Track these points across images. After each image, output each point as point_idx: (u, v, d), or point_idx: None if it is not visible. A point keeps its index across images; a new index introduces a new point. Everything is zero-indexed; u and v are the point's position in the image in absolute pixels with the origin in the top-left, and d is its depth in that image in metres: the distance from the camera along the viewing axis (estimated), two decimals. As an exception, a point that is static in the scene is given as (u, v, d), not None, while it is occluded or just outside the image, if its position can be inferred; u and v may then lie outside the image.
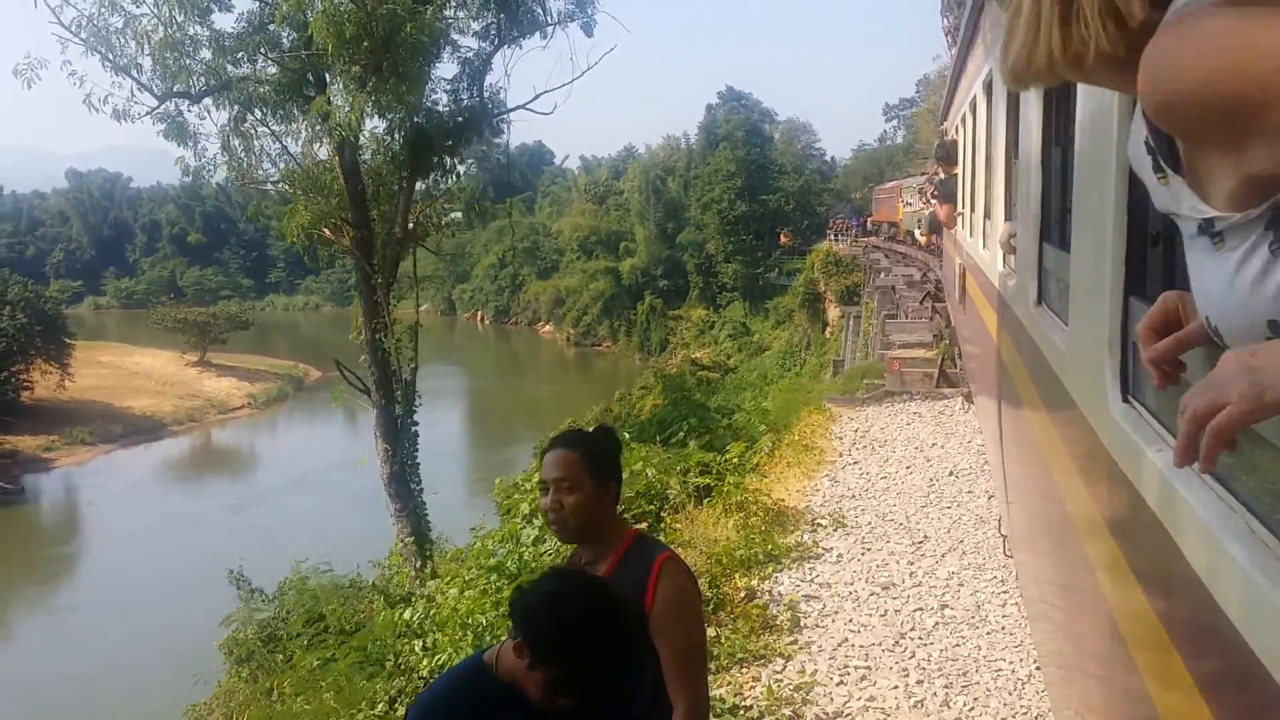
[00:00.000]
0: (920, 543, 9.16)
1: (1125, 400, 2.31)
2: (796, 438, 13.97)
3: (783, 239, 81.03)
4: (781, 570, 8.55)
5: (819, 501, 10.64)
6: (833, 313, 53.65)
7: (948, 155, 12.56)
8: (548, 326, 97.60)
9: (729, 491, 9.95)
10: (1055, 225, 3.92)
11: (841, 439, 13.72)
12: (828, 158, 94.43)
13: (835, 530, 9.62)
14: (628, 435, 14.75)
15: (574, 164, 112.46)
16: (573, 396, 58.42)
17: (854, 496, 10.83)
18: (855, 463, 12.37)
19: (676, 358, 69.40)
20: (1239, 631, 1.42)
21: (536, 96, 23.32)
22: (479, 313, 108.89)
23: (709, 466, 11.44)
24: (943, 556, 8.77)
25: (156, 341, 77.70)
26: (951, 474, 11.49)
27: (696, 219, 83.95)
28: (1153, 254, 2.20)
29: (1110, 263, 2.30)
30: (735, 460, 11.68)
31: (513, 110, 23.33)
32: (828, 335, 53.15)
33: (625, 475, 8.39)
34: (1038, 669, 6.41)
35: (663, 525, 9.85)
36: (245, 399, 68.05)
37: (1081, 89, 2.69)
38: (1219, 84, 1.25)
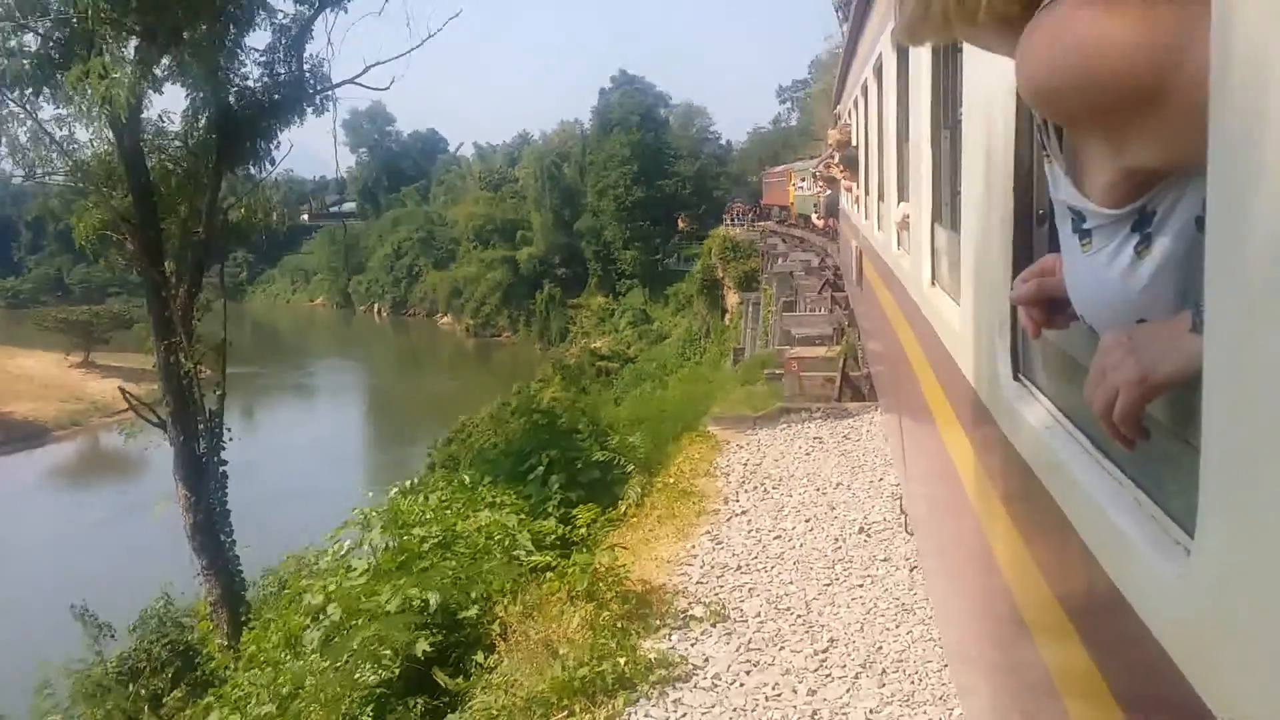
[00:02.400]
0: (824, 651, 6.94)
1: (1016, 378, 2.35)
2: (673, 478, 11.46)
3: (681, 224, 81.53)
4: (635, 705, 6.31)
5: (695, 575, 8.44)
6: (732, 299, 53.94)
7: (851, 161, 12.34)
8: (446, 318, 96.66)
9: (573, 577, 7.61)
10: (946, 207, 3.99)
11: (728, 476, 11.33)
12: (723, 141, 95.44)
13: (714, 628, 7.36)
14: (471, 476, 12.64)
15: (468, 151, 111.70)
16: (473, 390, 57.46)
17: (740, 568, 8.58)
18: (743, 512, 10.08)
19: (576, 347, 69.26)
20: (1130, 605, 1.44)
21: (366, 69, 20.41)
22: (376, 305, 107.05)
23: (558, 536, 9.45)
24: (855, 679, 6.51)
25: (40, 343, 74.61)
26: (862, 530, 9.28)
27: (593, 205, 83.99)
28: (1039, 233, 2.23)
29: (999, 242, 2.33)
30: (583, 531, 9.39)
31: (339, 85, 20.07)
32: (727, 322, 53.40)
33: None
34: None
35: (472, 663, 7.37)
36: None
37: (968, 71, 2.73)
38: (1095, 79, 1.29)
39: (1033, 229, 2.27)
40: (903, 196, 5.73)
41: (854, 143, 11.70)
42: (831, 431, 13.06)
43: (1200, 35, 1.10)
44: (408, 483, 11.77)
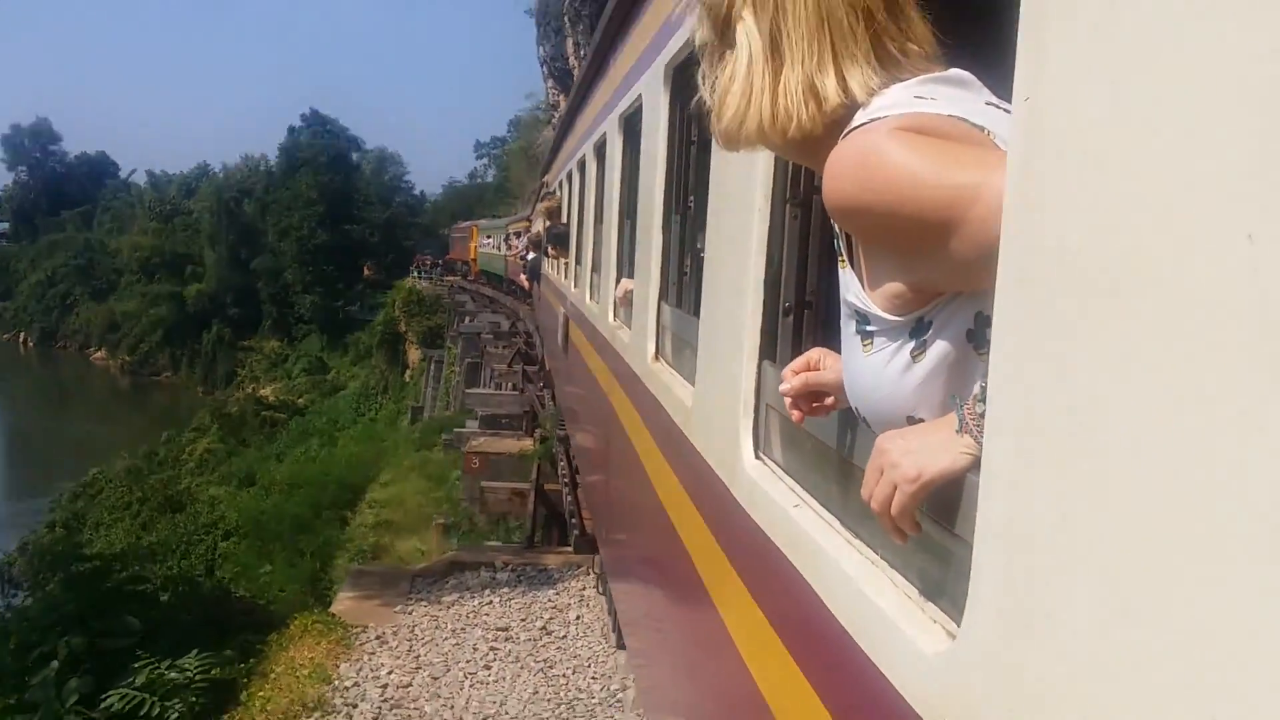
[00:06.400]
0: None
1: (758, 457, 2.49)
2: (263, 717, 7.06)
3: (367, 272, 79.48)
4: None
5: None
6: (414, 355, 52.25)
7: (560, 239, 11.61)
8: (100, 353, 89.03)
9: None
10: (673, 287, 4.20)
11: (348, 716, 7.01)
12: (417, 192, 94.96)
13: None
14: None
15: (141, 178, 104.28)
16: (124, 434, 52.97)
17: None
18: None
19: (242, 393, 64.93)
20: (890, 683, 1.56)
21: None
22: (22, 334, 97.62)
23: None
24: None
25: None
26: None
27: (274, 245, 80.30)
28: (784, 324, 2.41)
29: (747, 331, 2.49)
30: None
31: None
32: (407, 378, 51.81)
33: None
34: None
35: None
36: None
37: (719, 170, 2.91)
38: (901, 207, 1.44)
39: (778, 320, 2.44)
40: (625, 272, 5.94)
41: (564, 214, 11.95)
42: (526, 613, 8.87)
43: (995, 179, 1.26)
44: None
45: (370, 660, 7.85)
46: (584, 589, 9.37)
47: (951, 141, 1.44)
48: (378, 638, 8.29)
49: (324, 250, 77.36)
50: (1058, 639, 1.10)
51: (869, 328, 1.61)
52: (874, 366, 1.61)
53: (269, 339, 78.78)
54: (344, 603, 9.10)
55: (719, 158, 2.90)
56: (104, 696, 7.40)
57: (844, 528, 1.92)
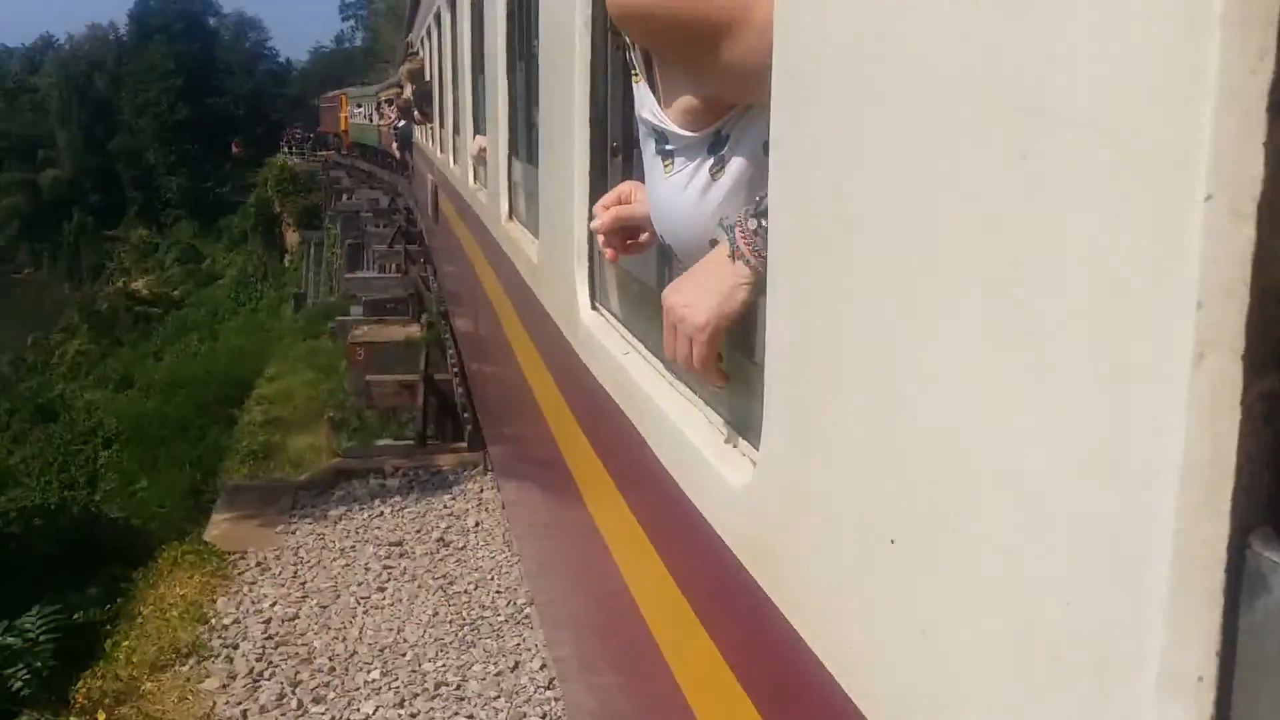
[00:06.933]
0: None
1: (594, 308, 2.42)
2: (123, 662, 6.22)
3: (235, 149, 75.47)
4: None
5: None
6: (291, 238, 49.81)
7: (425, 100, 11.26)
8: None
9: None
10: (522, 140, 4.02)
11: (232, 657, 6.24)
12: (282, 59, 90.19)
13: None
14: None
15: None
16: None
17: None
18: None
19: (113, 288, 61.79)
20: (705, 518, 1.52)
21: None
22: None
23: None
24: None
25: None
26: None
27: (131, 124, 75.97)
28: (613, 164, 2.30)
29: (576, 175, 2.38)
30: None
31: None
32: (287, 263, 49.89)
33: None
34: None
35: None
36: None
37: (544, 2, 2.73)
38: (676, 11, 1.36)
39: (607, 161, 2.33)
40: (479, 129, 5.71)
41: (427, 76, 11.47)
42: (420, 524, 8.21)
43: None
44: None
45: (251, 592, 7.08)
46: (481, 490, 8.69)
47: None
48: (258, 564, 7.47)
49: (186, 126, 73.43)
50: (837, 461, 1.06)
51: (668, 146, 1.53)
52: (675, 188, 1.53)
53: (136, 227, 74.83)
54: (219, 526, 8.20)
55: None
56: None
57: (668, 371, 1.87)
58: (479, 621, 6.66)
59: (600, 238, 1.85)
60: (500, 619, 6.69)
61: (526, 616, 6.62)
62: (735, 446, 1.49)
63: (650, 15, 1.40)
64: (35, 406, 32.08)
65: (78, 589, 7.66)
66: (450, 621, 6.67)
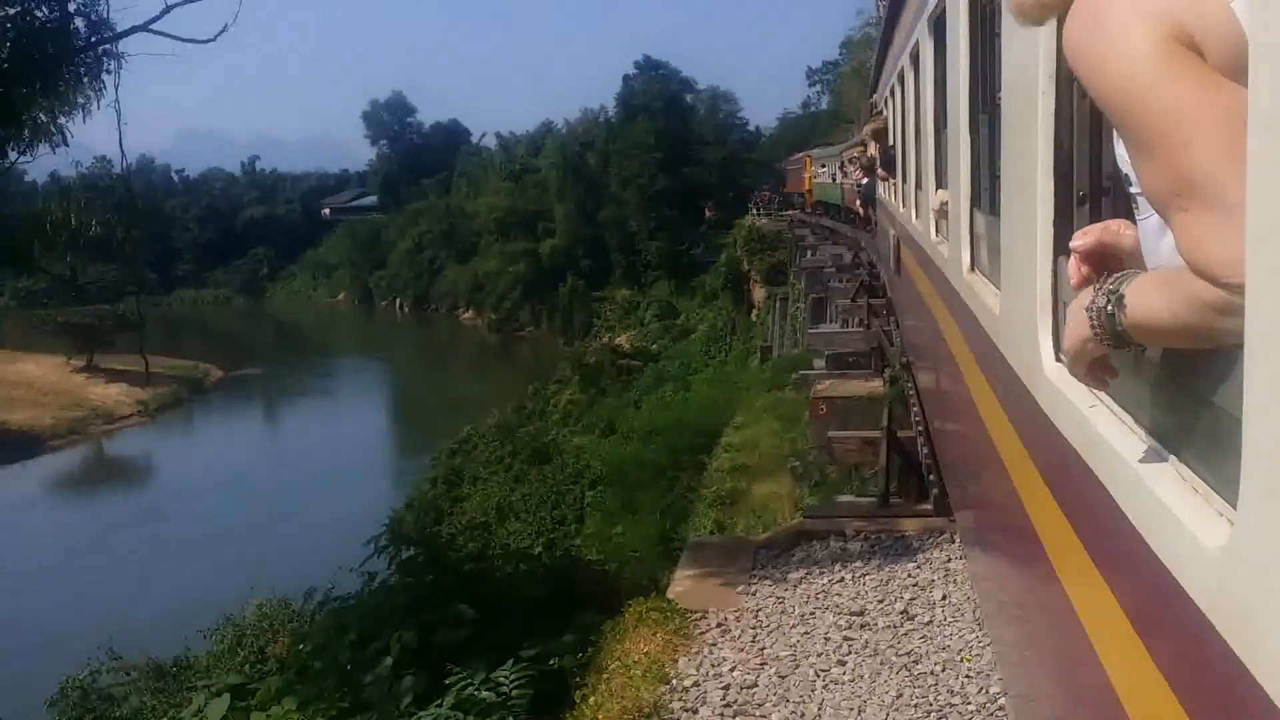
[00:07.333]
0: None
1: (1058, 360, 2.36)
2: None
3: (708, 212, 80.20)
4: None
5: None
6: (758, 294, 52.20)
7: (889, 163, 11.40)
8: (468, 313, 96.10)
9: None
10: (985, 192, 4.00)
11: None
12: (751, 127, 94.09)
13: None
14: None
15: (491, 142, 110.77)
16: (494, 389, 56.14)
17: None
18: None
19: (599, 343, 68.00)
20: (1174, 579, 1.45)
21: (168, 9, 14.35)
22: (398, 300, 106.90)
23: None
24: None
25: (43, 346, 69.66)
26: None
27: (617, 195, 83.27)
28: (1079, 214, 2.24)
29: (1040, 225, 2.34)
30: None
31: (126, 34, 13.83)
32: (754, 318, 51.96)
33: None
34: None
35: None
36: (135, 406, 62.56)
37: (1006, 55, 2.74)
38: (1124, 113, 1.28)
39: (1073, 210, 2.28)
40: (941, 183, 5.72)
41: (889, 134, 11.60)
42: (883, 593, 7.77)
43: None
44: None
45: (711, 654, 6.98)
46: (949, 560, 8.15)
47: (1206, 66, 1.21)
48: (719, 625, 7.39)
49: (665, 195, 79.30)
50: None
51: (1133, 190, 1.45)
52: (1146, 233, 1.47)
53: (620, 287, 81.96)
54: (683, 582, 8.35)
55: (1006, 40, 2.72)
56: (417, 716, 7.06)
57: (1135, 425, 1.78)
58: (947, 710, 6.08)
59: (1073, 260, 1.66)
60: (970, 708, 6.04)
61: (1000, 709, 5.94)
62: (1208, 504, 1.41)
63: (1108, 103, 1.32)
64: (532, 450, 35.86)
65: (555, 635, 8.12)
66: (915, 706, 6.15)
